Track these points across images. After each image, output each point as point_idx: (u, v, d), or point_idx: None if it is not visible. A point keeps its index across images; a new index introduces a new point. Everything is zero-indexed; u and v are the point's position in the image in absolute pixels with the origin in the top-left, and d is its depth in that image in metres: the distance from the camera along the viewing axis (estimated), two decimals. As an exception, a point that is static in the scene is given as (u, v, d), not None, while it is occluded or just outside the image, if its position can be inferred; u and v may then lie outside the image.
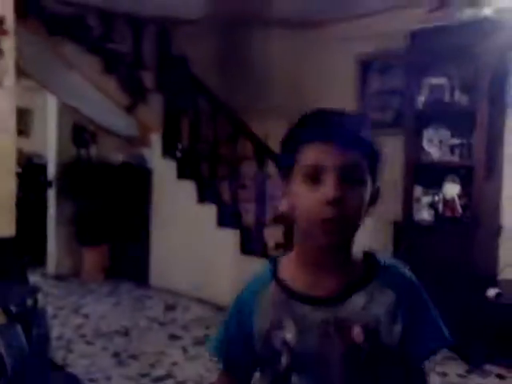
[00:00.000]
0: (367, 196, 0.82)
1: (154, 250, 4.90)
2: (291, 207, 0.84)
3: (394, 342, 0.84)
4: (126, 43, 4.73)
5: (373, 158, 0.83)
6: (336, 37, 4.34)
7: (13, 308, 1.90)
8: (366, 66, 4.04)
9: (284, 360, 0.85)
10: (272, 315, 0.87)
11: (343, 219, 0.80)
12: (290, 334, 0.85)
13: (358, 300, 0.84)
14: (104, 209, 5.06)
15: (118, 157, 5.36)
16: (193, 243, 4.50)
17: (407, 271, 0.90)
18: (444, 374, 3.03)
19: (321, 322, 0.84)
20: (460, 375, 3.04)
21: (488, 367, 3.07)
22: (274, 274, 0.90)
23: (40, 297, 2.04)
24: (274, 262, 0.93)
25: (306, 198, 0.80)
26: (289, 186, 0.84)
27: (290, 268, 0.89)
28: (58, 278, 5.08)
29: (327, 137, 0.80)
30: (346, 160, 0.80)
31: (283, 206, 0.86)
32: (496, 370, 3.05)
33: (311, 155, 0.80)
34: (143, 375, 3.03)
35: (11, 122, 2.92)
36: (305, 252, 0.87)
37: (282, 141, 0.86)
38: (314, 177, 0.79)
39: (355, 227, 0.83)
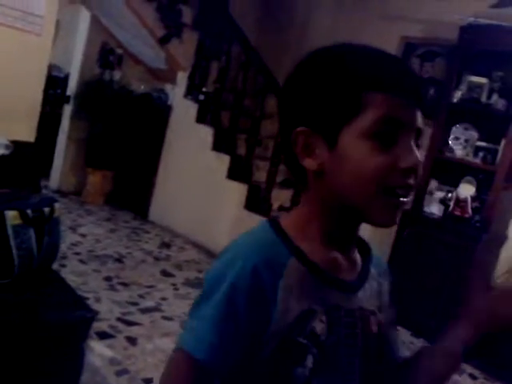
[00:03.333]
0: None
1: (159, 187, 4.93)
2: (332, 169, 0.65)
3: (387, 331, 0.76)
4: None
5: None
6: (385, 14, 4.23)
7: (29, 212, 1.91)
8: (409, 49, 3.97)
9: (310, 358, 0.65)
10: (298, 303, 0.65)
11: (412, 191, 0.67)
12: (320, 326, 0.65)
13: (367, 286, 0.73)
14: (116, 135, 5.04)
15: (140, 87, 5.31)
16: (199, 188, 4.52)
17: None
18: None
19: (348, 311, 0.69)
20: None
21: (462, 365, 3.18)
22: (291, 247, 0.67)
23: (57, 207, 2.06)
24: (279, 227, 0.69)
25: (371, 161, 0.62)
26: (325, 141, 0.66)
27: (307, 242, 0.68)
28: (60, 193, 5.11)
29: (405, 89, 0.64)
30: (421, 120, 0.66)
31: (311, 164, 0.67)
32: (469, 369, 3.15)
33: (389, 108, 0.62)
34: (132, 303, 3.10)
35: (51, 29, 2.88)
36: (331, 226, 0.69)
37: (322, 81, 0.67)
38: (389, 135, 0.63)
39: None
